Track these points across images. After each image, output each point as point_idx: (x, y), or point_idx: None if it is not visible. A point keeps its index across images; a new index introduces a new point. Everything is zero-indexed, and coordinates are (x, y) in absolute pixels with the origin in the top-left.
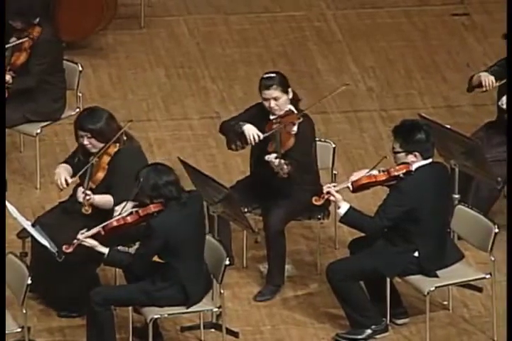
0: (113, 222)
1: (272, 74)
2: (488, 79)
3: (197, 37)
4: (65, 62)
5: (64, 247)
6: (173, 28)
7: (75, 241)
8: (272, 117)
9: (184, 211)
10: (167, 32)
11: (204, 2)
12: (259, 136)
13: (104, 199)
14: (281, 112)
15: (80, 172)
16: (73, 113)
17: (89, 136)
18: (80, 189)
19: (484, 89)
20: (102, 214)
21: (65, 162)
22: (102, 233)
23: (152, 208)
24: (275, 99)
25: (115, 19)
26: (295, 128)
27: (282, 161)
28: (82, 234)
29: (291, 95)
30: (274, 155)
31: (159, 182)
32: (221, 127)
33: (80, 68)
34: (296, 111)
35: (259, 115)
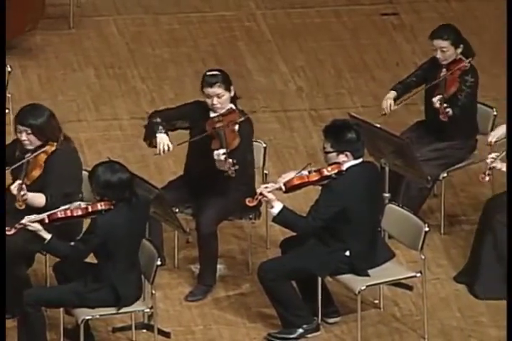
0: (59, 212)
1: (216, 72)
2: (386, 103)
3: (126, 37)
4: None
5: (6, 229)
6: (103, 29)
7: (18, 225)
8: (212, 115)
9: (131, 214)
10: (96, 32)
11: (133, 2)
12: (169, 148)
13: (36, 198)
14: (223, 110)
15: (13, 167)
16: None
17: (28, 131)
18: (17, 182)
19: (383, 112)
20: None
21: None
22: (46, 221)
23: (101, 206)
24: (218, 96)
25: (44, 19)
26: (236, 127)
27: (230, 160)
28: (29, 217)
29: (233, 93)
30: (223, 151)
31: (113, 181)
32: (149, 117)
33: (9, 69)
34: (236, 110)
35: (198, 112)
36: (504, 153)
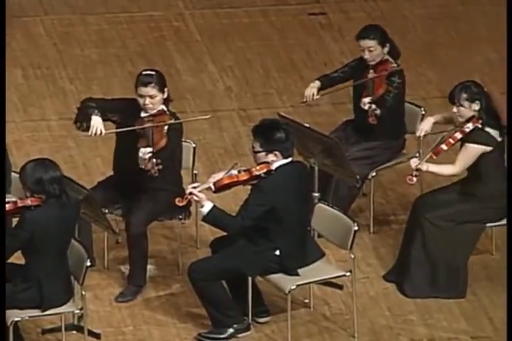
0: None
1: (151, 72)
2: (309, 91)
3: (54, 37)
4: None
5: None
6: (30, 29)
7: None
8: (143, 115)
9: (60, 211)
10: (23, 32)
11: (60, 2)
12: (101, 132)
13: None
14: (154, 111)
15: None
16: None
17: None
18: None
19: (304, 100)
20: None
21: None
22: None
23: (30, 201)
24: (151, 97)
25: None
26: (165, 128)
27: (154, 160)
28: None
29: (166, 95)
30: (149, 150)
31: (44, 177)
32: (83, 101)
33: None
34: (167, 112)
35: (131, 110)
36: (429, 155)
